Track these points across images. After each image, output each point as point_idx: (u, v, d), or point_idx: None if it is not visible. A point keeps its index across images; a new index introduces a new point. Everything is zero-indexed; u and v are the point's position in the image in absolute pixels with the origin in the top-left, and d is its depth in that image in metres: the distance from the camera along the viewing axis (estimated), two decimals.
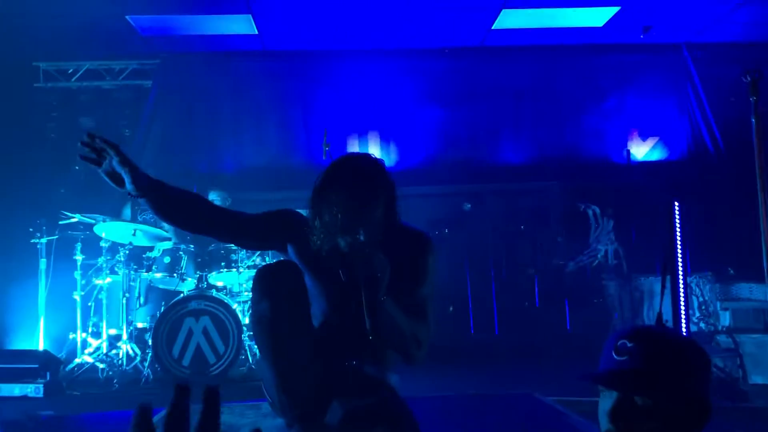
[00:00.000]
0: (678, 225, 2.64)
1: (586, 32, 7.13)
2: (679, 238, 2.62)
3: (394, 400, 2.43)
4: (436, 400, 3.53)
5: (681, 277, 2.67)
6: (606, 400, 1.35)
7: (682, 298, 2.67)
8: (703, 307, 5.71)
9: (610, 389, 1.35)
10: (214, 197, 6.30)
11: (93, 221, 5.42)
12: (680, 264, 2.65)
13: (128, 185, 2.21)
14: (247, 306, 5.57)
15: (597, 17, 6.75)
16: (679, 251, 2.64)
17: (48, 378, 4.84)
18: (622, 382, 1.33)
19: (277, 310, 2.25)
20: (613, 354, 1.36)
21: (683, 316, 2.68)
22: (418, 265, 2.38)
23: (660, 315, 2.17)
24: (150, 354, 5.23)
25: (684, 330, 2.73)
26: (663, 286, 2.41)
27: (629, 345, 1.34)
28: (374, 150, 7.43)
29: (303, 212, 2.47)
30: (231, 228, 2.45)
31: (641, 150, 7.60)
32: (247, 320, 5.46)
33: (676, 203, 2.64)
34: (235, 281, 5.67)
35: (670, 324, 3.12)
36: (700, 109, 7.52)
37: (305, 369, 2.28)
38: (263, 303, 2.27)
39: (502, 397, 3.39)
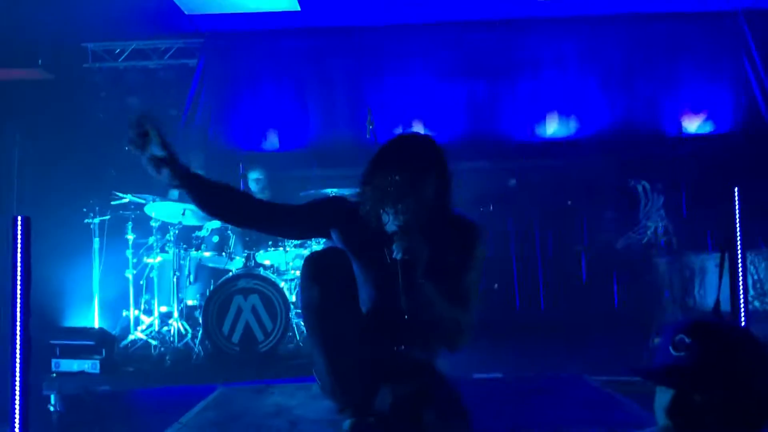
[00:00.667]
0: (738, 212, 2.55)
1: (636, 0, 6.89)
2: (738, 225, 2.53)
3: (442, 384, 2.43)
4: (485, 383, 3.53)
5: (740, 260, 2.59)
6: (663, 395, 1.32)
7: (741, 283, 2.59)
8: (758, 286, 5.55)
9: (668, 387, 1.32)
10: (254, 175, 6.34)
11: (143, 201, 5.53)
12: (739, 247, 2.57)
13: (165, 173, 2.22)
14: (293, 284, 5.63)
15: None
16: (738, 236, 2.56)
17: (104, 354, 4.99)
18: (680, 379, 1.30)
19: (327, 295, 2.26)
20: (671, 349, 1.32)
21: (742, 302, 2.61)
22: (466, 255, 2.36)
23: (718, 303, 2.11)
24: (200, 331, 5.34)
25: (743, 313, 2.65)
26: (721, 274, 2.34)
27: (687, 341, 1.30)
28: (418, 126, 7.38)
29: (345, 196, 2.50)
30: (272, 221, 2.47)
31: (694, 122, 7.36)
32: (294, 298, 5.52)
33: (736, 189, 2.55)
34: (282, 260, 5.72)
35: (725, 306, 3.03)
36: (756, 79, 7.23)
37: (355, 354, 2.29)
38: (313, 289, 2.28)
39: (551, 379, 3.36)
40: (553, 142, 7.44)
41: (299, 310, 5.52)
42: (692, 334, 1.32)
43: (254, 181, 6.37)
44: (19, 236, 2.02)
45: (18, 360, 1.99)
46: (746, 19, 7.18)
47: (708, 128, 7.38)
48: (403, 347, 2.41)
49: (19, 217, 2.04)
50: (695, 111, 7.36)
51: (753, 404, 1.28)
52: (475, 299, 2.36)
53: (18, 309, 1.98)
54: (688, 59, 7.33)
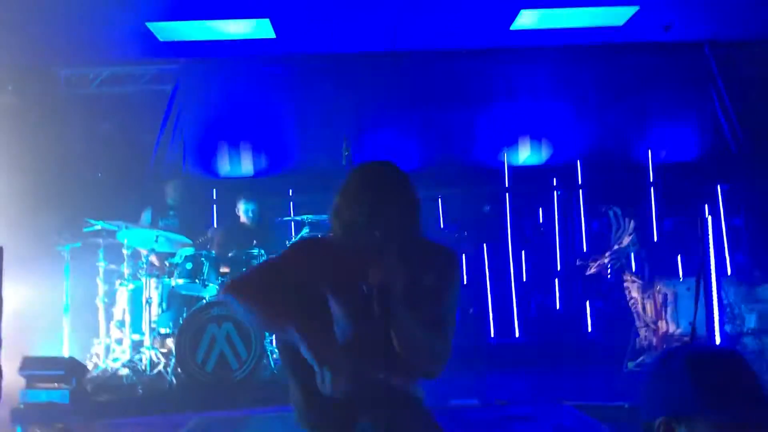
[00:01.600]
0: (710, 238, 2.61)
1: (606, 32, 7.07)
2: (712, 249, 2.59)
3: (420, 413, 2.41)
4: (463, 411, 3.52)
5: (715, 286, 2.64)
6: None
7: (716, 307, 2.63)
8: (728, 309, 5.64)
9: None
10: (249, 206, 6.31)
11: (116, 228, 5.46)
12: (713, 274, 2.62)
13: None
14: None
15: (617, 16, 6.69)
16: (712, 260, 2.61)
17: (74, 384, 4.87)
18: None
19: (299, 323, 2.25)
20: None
21: (717, 325, 2.65)
22: (440, 280, 2.37)
23: (694, 328, 2.14)
24: (173, 360, 5.26)
25: (717, 336, 2.70)
26: (696, 300, 2.38)
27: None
28: (392, 153, 7.43)
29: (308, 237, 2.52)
30: None
31: (662, 150, 7.52)
32: None
33: (709, 216, 2.61)
34: None
35: (698, 329, 3.08)
36: (722, 108, 7.44)
37: (331, 385, 2.28)
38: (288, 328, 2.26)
39: (530, 405, 3.36)
40: (527, 169, 7.54)
41: (273, 338, 5.47)
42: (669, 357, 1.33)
43: (249, 212, 6.33)
44: None
45: None
46: (711, 50, 7.40)
47: (676, 156, 7.54)
48: (381, 377, 2.39)
49: None
50: (664, 138, 7.53)
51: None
52: (452, 325, 2.35)
53: None
54: (658, 88, 7.51)
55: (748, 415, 1.25)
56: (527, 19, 6.66)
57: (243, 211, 6.36)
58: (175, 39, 6.89)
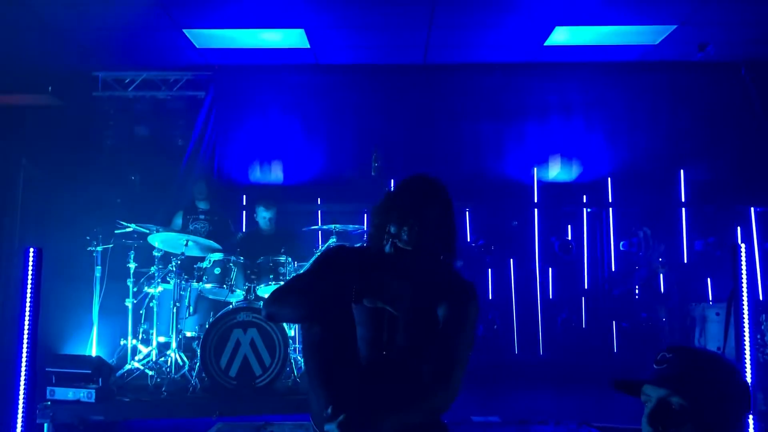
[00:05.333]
0: (743, 263, 2.58)
1: (640, 50, 7.01)
2: (745, 278, 2.56)
3: (439, 429, 2.41)
4: (484, 428, 3.50)
5: (747, 312, 2.61)
6: (647, 408, 1.46)
7: (747, 334, 2.60)
8: (758, 337, 5.54)
9: (644, 384, 1.46)
10: (266, 214, 6.38)
11: (147, 231, 5.54)
12: (746, 300, 2.59)
13: None
14: None
15: (653, 35, 6.64)
16: (745, 289, 2.58)
17: (100, 383, 4.93)
18: (662, 384, 1.43)
19: (327, 335, 2.26)
20: (654, 365, 1.48)
21: (747, 351, 2.62)
22: (456, 316, 2.35)
23: (722, 353, 2.12)
24: (198, 363, 5.30)
25: (747, 363, 2.66)
26: (727, 325, 2.35)
27: (668, 356, 1.47)
28: (423, 164, 7.43)
29: (340, 245, 2.54)
30: None
31: (696, 170, 7.42)
32: (293, 333, 5.50)
33: (743, 245, 2.58)
34: None
35: (729, 355, 3.03)
36: (758, 128, 7.31)
37: (352, 394, 2.28)
38: (314, 327, 2.29)
39: (552, 426, 3.33)
40: (556, 185, 7.49)
41: (298, 346, 5.50)
42: (673, 350, 1.49)
43: (266, 219, 6.40)
44: (30, 268, 2.03)
45: (22, 393, 1.98)
46: (748, 70, 7.29)
47: (710, 176, 7.43)
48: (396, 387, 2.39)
49: (32, 249, 2.05)
50: (698, 159, 7.42)
51: (722, 410, 1.41)
52: (460, 368, 2.28)
53: (25, 343, 1.98)
54: (692, 108, 7.42)
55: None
56: (562, 36, 6.65)
57: (260, 218, 6.43)
58: (211, 46, 7.00)
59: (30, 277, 2.04)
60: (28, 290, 2.02)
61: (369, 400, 2.32)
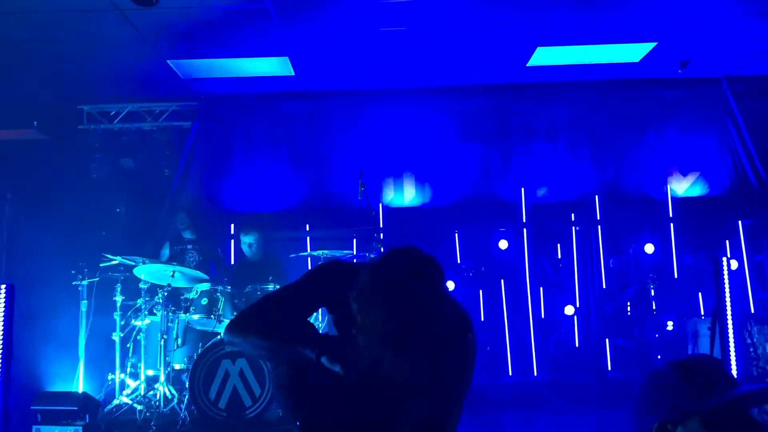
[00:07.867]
0: (725, 276, 2.57)
1: (622, 68, 7.07)
2: (728, 290, 2.54)
3: None
4: None
5: (731, 325, 2.59)
6: None
7: (732, 349, 2.57)
8: (751, 350, 5.52)
9: None
10: (247, 239, 6.34)
11: (133, 263, 5.49)
12: (728, 313, 2.57)
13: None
14: None
15: (633, 53, 6.70)
16: (728, 301, 2.56)
17: (87, 420, 4.88)
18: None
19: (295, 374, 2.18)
20: None
21: (733, 366, 2.59)
22: (448, 372, 2.17)
23: None
24: (187, 396, 5.23)
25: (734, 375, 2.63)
26: (712, 338, 2.32)
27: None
28: (409, 188, 7.44)
29: (339, 261, 2.42)
30: None
31: (682, 186, 7.46)
32: None
33: (725, 258, 2.56)
34: None
35: None
36: (741, 142, 7.37)
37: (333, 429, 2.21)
38: (281, 367, 2.19)
39: None
40: (544, 205, 7.50)
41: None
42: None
43: (247, 245, 6.36)
44: (2, 305, 1.99)
45: None
46: (729, 86, 7.37)
47: (697, 191, 7.47)
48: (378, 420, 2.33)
49: (3, 285, 2.02)
50: (684, 174, 7.47)
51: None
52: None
53: None
54: (676, 124, 7.48)
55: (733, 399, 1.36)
56: (543, 56, 6.69)
57: (243, 245, 6.39)
58: (196, 76, 7.01)
59: (2, 313, 1.99)
60: (0, 327, 1.98)
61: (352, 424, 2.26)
